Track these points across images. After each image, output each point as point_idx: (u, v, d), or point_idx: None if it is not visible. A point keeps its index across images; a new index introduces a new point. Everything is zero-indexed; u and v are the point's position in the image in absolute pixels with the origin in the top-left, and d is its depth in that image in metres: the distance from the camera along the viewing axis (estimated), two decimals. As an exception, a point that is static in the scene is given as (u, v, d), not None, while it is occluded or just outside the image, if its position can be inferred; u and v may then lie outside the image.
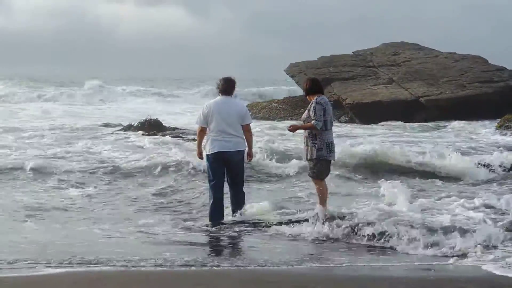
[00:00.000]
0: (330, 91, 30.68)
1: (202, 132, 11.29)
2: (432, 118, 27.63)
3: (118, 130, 22.60)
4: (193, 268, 7.95)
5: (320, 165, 10.93)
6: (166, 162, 15.55)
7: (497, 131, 24.06)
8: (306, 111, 11.07)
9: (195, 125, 11.49)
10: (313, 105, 10.91)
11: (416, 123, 27.05)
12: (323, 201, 10.98)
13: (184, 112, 35.81)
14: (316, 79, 11.63)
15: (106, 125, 24.86)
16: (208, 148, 11.17)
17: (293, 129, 11.16)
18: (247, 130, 11.24)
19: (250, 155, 11.46)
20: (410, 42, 37.52)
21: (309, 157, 11.01)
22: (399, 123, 27.06)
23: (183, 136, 20.81)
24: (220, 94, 11.31)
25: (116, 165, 15.44)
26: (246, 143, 11.29)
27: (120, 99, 46.03)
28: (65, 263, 7.90)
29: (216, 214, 11.01)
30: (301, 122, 11.23)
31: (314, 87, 11.17)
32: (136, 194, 13.15)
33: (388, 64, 33.53)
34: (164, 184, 14.04)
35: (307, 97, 11.21)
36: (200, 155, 11.52)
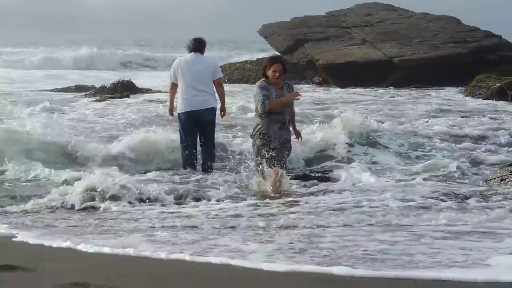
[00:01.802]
0: (303, 52, 30.66)
1: (174, 87, 11.23)
2: (405, 81, 27.43)
3: (88, 93, 22.45)
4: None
5: None
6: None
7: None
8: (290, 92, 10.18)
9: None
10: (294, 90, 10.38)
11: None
12: None
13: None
14: None
15: (79, 88, 24.64)
16: (179, 107, 11.08)
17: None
18: (218, 84, 11.17)
19: (223, 110, 11.42)
20: (384, 3, 37.48)
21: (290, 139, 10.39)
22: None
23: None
24: (190, 52, 11.27)
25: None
26: (217, 100, 11.27)
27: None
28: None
29: (190, 160, 10.99)
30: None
31: None
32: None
33: (362, 24, 33.45)
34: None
35: (279, 78, 9.96)
36: (171, 112, 11.46)
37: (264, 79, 10.02)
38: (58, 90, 24.68)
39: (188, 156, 10.97)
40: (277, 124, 10.01)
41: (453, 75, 27.05)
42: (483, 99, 22.63)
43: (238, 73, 30.72)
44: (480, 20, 34.52)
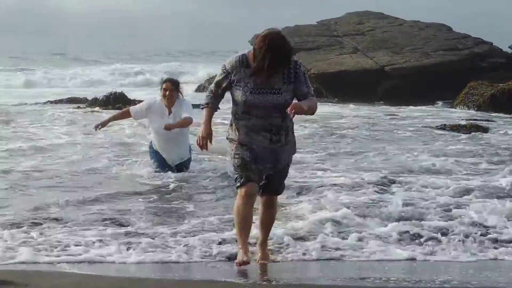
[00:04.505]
0: (295, 61, 30.69)
1: None
2: (397, 93, 27.14)
3: (82, 105, 22.44)
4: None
5: None
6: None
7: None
8: (287, 84, 6.31)
9: None
10: (302, 69, 6.47)
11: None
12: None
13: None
14: None
15: (71, 100, 24.54)
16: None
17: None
18: None
19: None
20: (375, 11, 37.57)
21: (289, 160, 6.58)
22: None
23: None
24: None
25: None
26: None
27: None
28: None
29: None
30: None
31: None
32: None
33: (353, 33, 33.52)
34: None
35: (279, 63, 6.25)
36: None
37: (246, 53, 6.44)
38: (50, 102, 24.60)
39: None
40: (263, 133, 6.33)
41: (445, 85, 26.92)
42: (475, 110, 22.59)
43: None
44: (470, 27, 34.53)
